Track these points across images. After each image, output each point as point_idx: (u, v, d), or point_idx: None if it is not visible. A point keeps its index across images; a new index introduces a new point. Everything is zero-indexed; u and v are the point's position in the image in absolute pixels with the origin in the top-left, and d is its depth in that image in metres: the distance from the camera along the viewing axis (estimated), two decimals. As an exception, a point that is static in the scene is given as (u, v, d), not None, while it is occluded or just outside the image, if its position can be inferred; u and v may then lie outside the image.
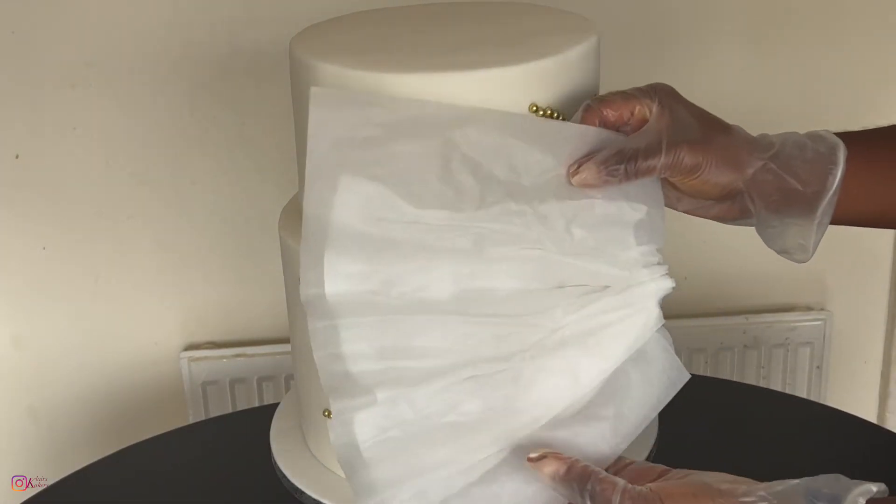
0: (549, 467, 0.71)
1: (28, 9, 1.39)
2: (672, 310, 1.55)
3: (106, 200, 1.49)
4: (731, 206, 0.81)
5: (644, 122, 0.77)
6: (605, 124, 0.77)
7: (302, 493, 0.88)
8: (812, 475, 0.69)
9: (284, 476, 0.91)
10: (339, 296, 0.72)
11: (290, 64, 0.87)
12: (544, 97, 0.82)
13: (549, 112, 0.82)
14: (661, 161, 0.75)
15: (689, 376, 0.80)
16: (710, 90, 1.51)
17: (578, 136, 0.77)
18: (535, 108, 0.81)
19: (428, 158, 0.73)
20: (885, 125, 0.85)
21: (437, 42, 0.87)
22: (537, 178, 0.75)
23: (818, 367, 1.62)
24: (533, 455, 0.72)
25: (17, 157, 1.45)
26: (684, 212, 0.83)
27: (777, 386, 1.61)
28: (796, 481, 0.69)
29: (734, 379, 1.58)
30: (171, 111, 1.45)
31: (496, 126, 0.75)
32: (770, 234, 0.81)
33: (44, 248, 1.50)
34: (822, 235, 0.79)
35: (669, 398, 0.79)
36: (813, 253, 0.80)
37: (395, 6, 0.98)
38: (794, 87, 1.51)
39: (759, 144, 0.79)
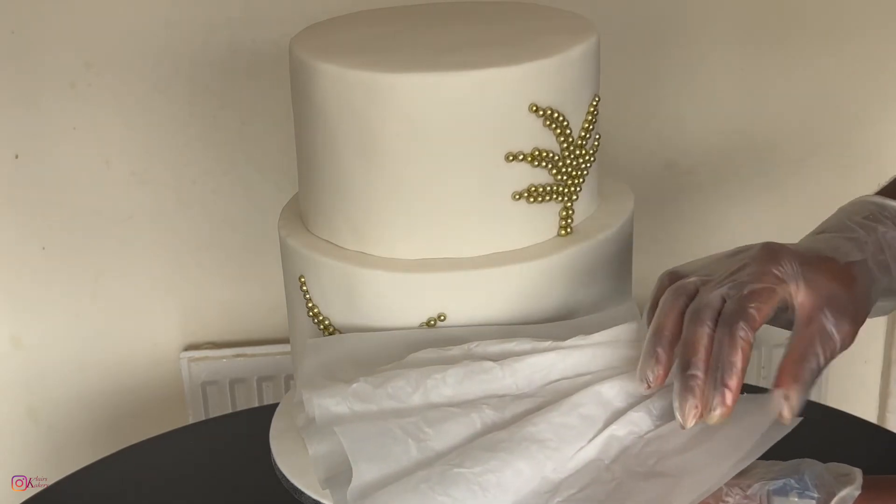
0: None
1: (28, 9, 1.39)
2: (672, 310, 1.57)
3: (106, 200, 1.49)
4: None
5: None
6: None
7: (302, 493, 0.88)
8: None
9: (284, 476, 0.91)
10: None
11: (290, 64, 0.87)
12: (544, 97, 0.82)
13: (548, 112, 0.82)
14: (837, 351, 0.72)
15: None
16: (709, 90, 1.52)
17: None
18: (534, 108, 0.81)
19: None
20: None
21: (437, 42, 0.87)
22: None
23: (818, 367, 1.62)
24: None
25: (16, 157, 1.45)
26: None
27: (777, 386, 1.60)
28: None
29: (734, 379, 1.58)
30: (171, 111, 1.45)
31: None
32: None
33: (44, 248, 1.50)
34: None
35: None
36: None
37: (395, 6, 0.99)
38: (794, 87, 1.51)
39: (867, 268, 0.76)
